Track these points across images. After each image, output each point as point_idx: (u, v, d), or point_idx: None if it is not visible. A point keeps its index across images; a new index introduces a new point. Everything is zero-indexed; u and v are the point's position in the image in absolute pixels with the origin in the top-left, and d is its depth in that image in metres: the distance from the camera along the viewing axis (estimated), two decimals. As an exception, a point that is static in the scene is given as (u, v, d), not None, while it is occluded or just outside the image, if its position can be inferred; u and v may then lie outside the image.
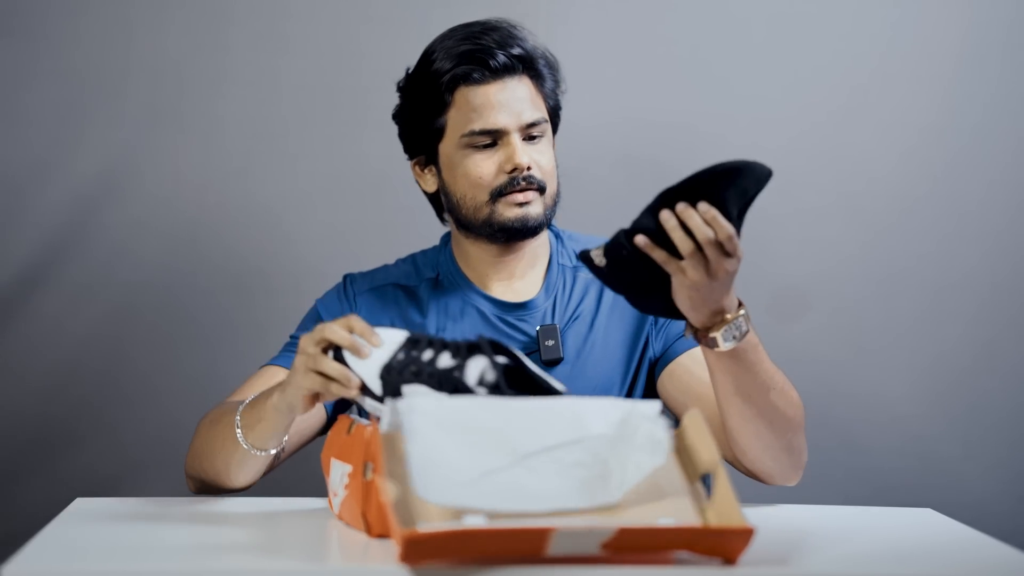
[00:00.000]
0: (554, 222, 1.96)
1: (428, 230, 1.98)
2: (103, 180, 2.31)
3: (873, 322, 2.38)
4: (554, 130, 1.87)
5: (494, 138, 1.79)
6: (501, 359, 1.43)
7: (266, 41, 2.33)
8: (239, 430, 1.61)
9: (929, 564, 1.36)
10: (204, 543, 1.37)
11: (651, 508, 1.28)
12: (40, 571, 1.24)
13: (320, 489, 1.55)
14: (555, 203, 1.84)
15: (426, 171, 1.86)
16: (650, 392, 1.85)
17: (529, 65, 1.81)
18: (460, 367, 1.40)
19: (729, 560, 1.26)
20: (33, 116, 2.30)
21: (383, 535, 1.34)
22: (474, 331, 1.82)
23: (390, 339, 1.49)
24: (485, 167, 1.79)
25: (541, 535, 1.21)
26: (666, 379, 1.83)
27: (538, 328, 1.83)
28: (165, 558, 1.30)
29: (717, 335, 1.52)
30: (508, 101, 1.79)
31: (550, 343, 1.82)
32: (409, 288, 1.87)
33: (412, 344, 1.47)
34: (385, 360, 1.46)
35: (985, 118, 2.37)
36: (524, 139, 1.80)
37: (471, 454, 1.27)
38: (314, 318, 1.85)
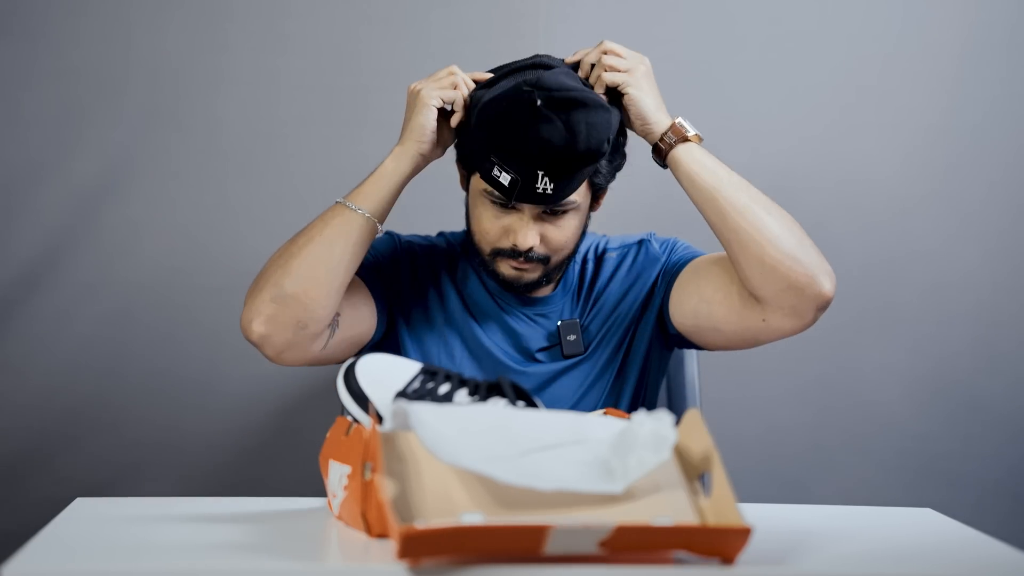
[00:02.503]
0: None
1: (428, 230, 1.98)
2: (103, 180, 2.31)
3: (873, 322, 2.38)
4: (599, 191, 1.80)
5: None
6: (521, 404, 1.45)
7: (266, 41, 2.33)
8: (344, 201, 1.70)
9: (929, 564, 1.36)
10: (204, 543, 1.37)
11: (649, 506, 1.28)
12: (40, 571, 1.24)
13: (320, 489, 1.55)
14: (562, 265, 1.82)
15: (462, 174, 1.85)
16: (657, 354, 1.86)
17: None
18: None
19: (727, 559, 1.27)
20: (33, 116, 2.30)
21: (383, 535, 1.34)
22: (500, 315, 1.83)
23: (404, 368, 1.51)
24: (492, 225, 1.77)
25: (538, 533, 1.21)
26: (674, 296, 1.82)
27: (559, 323, 1.84)
28: (165, 558, 1.30)
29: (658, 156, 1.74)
30: None
31: (572, 338, 1.83)
32: (447, 257, 1.89)
33: (428, 375, 1.49)
34: (399, 388, 1.48)
35: (986, 119, 2.37)
36: (545, 211, 1.75)
37: (477, 444, 1.28)
38: (373, 253, 1.85)
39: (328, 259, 1.69)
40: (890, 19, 2.38)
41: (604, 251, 1.91)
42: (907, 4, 2.38)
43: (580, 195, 1.76)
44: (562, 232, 1.77)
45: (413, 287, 1.86)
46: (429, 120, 1.73)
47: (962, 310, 2.38)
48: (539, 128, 1.65)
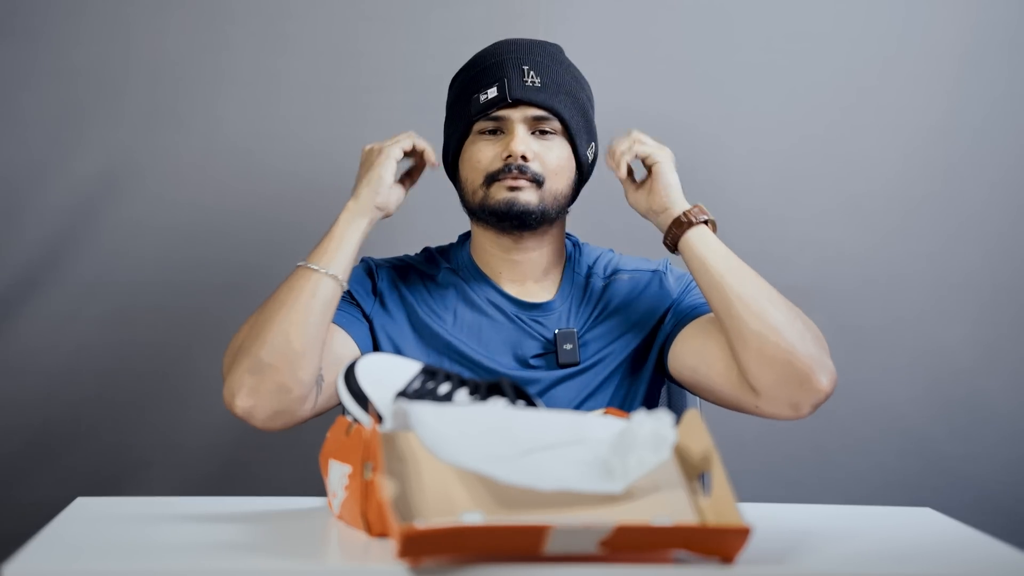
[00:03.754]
0: (573, 232, 1.97)
1: (429, 230, 1.99)
2: (103, 180, 2.31)
3: (874, 322, 2.38)
4: (577, 140, 1.85)
5: (499, 126, 1.81)
6: (521, 403, 1.45)
7: (266, 41, 2.33)
8: (305, 263, 1.71)
9: (929, 564, 1.36)
10: (204, 543, 1.37)
11: (649, 506, 1.28)
12: (40, 571, 1.24)
13: (319, 489, 1.55)
14: (560, 203, 1.84)
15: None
16: (655, 383, 1.86)
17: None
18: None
19: (727, 559, 1.27)
20: (33, 116, 2.30)
21: (383, 535, 1.34)
22: (493, 323, 1.83)
23: (404, 368, 1.51)
24: (485, 152, 1.81)
25: (538, 533, 1.21)
26: (678, 345, 1.82)
27: (556, 331, 1.83)
28: (165, 558, 1.30)
29: (674, 232, 1.76)
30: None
31: (568, 347, 1.82)
32: (427, 273, 1.89)
33: (428, 375, 1.50)
34: (399, 388, 1.48)
35: (987, 120, 2.37)
36: (532, 132, 1.81)
37: (477, 444, 1.28)
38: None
39: (300, 323, 1.69)
40: (891, 20, 2.38)
41: (616, 272, 1.90)
42: (908, 5, 2.38)
43: (572, 121, 1.83)
44: (552, 152, 1.82)
45: (395, 310, 1.85)
46: (388, 172, 1.77)
47: (962, 310, 2.38)
48: (505, 41, 1.84)
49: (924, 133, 2.38)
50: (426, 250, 1.94)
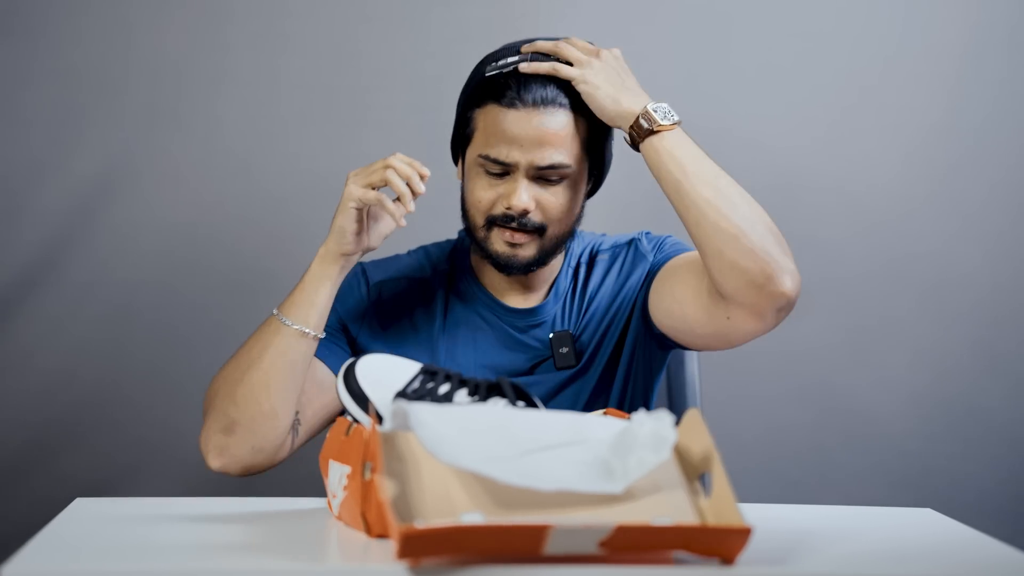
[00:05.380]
0: None
1: (428, 230, 1.98)
2: (102, 180, 2.31)
3: (874, 322, 2.38)
4: (599, 169, 1.81)
5: (505, 169, 1.73)
6: (521, 404, 1.45)
7: (266, 41, 2.33)
8: (278, 314, 1.68)
9: (929, 564, 1.36)
10: (204, 543, 1.37)
11: (649, 506, 1.28)
12: (40, 571, 1.23)
13: (320, 489, 1.55)
14: (563, 240, 1.79)
15: (458, 164, 1.83)
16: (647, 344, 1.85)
17: (571, 101, 1.74)
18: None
19: (727, 560, 1.26)
20: (33, 116, 2.30)
21: (383, 535, 1.34)
22: (482, 336, 1.82)
23: (404, 368, 1.51)
24: (487, 194, 1.75)
25: (538, 533, 1.21)
26: (653, 296, 1.80)
27: (551, 335, 1.82)
28: (165, 558, 1.30)
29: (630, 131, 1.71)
30: (527, 136, 1.71)
31: (564, 350, 1.81)
32: (422, 281, 1.86)
33: (428, 375, 1.49)
34: (399, 388, 1.48)
35: (987, 120, 2.37)
36: (536, 179, 1.74)
37: (476, 444, 1.28)
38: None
39: (270, 384, 1.68)
40: (892, 20, 2.38)
41: (596, 253, 1.89)
42: (909, 5, 2.38)
43: (573, 159, 1.74)
44: (557, 200, 1.74)
45: (383, 327, 1.83)
46: (348, 222, 1.69)
47: (962, 310, 2.38)
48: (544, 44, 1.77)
49: (924, 133, 2.38)
50: (424, 251, 1.91)
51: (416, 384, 1.49)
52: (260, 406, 1.68)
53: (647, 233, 1.90)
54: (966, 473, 2.37)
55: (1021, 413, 2.38)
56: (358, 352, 1.81)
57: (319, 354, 1.77)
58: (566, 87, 1.73)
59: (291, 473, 2.30)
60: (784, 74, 2.37)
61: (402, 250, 1.92)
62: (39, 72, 2.30)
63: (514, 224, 1.74)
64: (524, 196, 1.72)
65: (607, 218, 2.31)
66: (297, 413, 1.73)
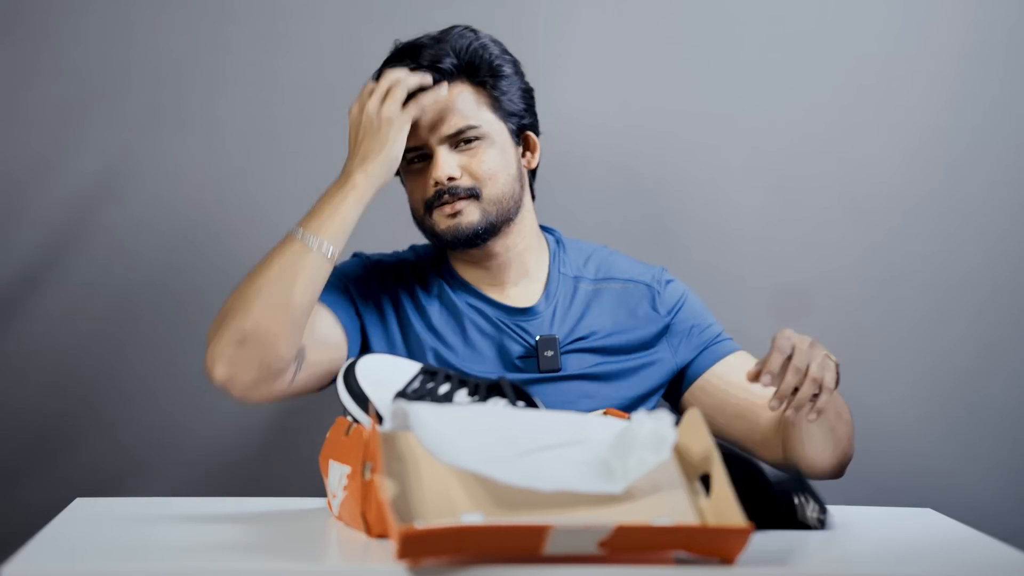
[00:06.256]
0: (555, 226, 1.96)
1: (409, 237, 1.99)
2: (103, 180, 2.31)
3: (874, 323, 2.38)
4: (523, 128, 1.84)
5: (423, 153, 1.79)
6: (521, 404, 1.45)
7: (266, 41, 2.33)
8: (299, 232, 1.69)
9: (929, 564, 1.36)
10: (204, 543, 1.37)
11: (649, 506, 1.28)
12: (40, 571, 1.24)
13: (319, 490, 1.55)
14: (507, 204, 1.81)
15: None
16: (671, 405, 1.86)
17: (466, 70, 1.80)
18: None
19: (727, 560, 1.27)
20: (33, 116, 2.30)
21: (382, 535, 1.35)
22: (477, 329, 1.82)
23: (404, 368, 1.51)
24: (416, 185, 1.81)
25: (538, 533, 1.21)
26: (697, 392, 1.84)
27: (538, 337, 1.82)
28: (165, 558, 1.30)
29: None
30: (427, 115, 1.78)
31: (549, 354, 1.81)
32: (417, 273, 1.88)
33: (428, 375, 1.50)
34: (399, 388, 1.49)
35: (987, 119, 2.37)
36: (453, 147, 1.78)
37: (476, 444, 1.28)
38: (337, 275, 1.85)
39: (286, 298, 1.68)
40: (890, 18, 2.38)
41: (608, 278, 1.89)
42: (907, 4, 2.38)
43: (482, 121, 1.78)
44: (480, 160, 1.78)
45: (386, 304, 1.84)
46: (400, 147, 1.75)
47: (962, 310, 2.38)
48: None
49: (923, 132, 2.37)
50: (412, 250, 1.93)
51: (416, 384, 1.49)
52: (275, 319, 1.67)
53: (664, 273, 1.91)
54: (966, 473, 2.37)
55: (1021, 413, 2.38)
56: (361, 321, 1.83)
57: (329, 302, 1.79)
58: (448, 61, 1.79)
59: (291, 473, 2.30)
60: (783, 73, 2.37)
61: (397, 250, 1.93)
62: (39, 72, 2.30)
63: (444, 197, 1.77)
64: (444, 165, 1.77)
65: (607, 217, 2.31)
66: (302, 351, 1.72)
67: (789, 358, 1.54)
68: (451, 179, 1.77)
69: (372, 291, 1.85)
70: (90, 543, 1.36)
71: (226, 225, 2.34)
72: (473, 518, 1.23)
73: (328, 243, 1.70)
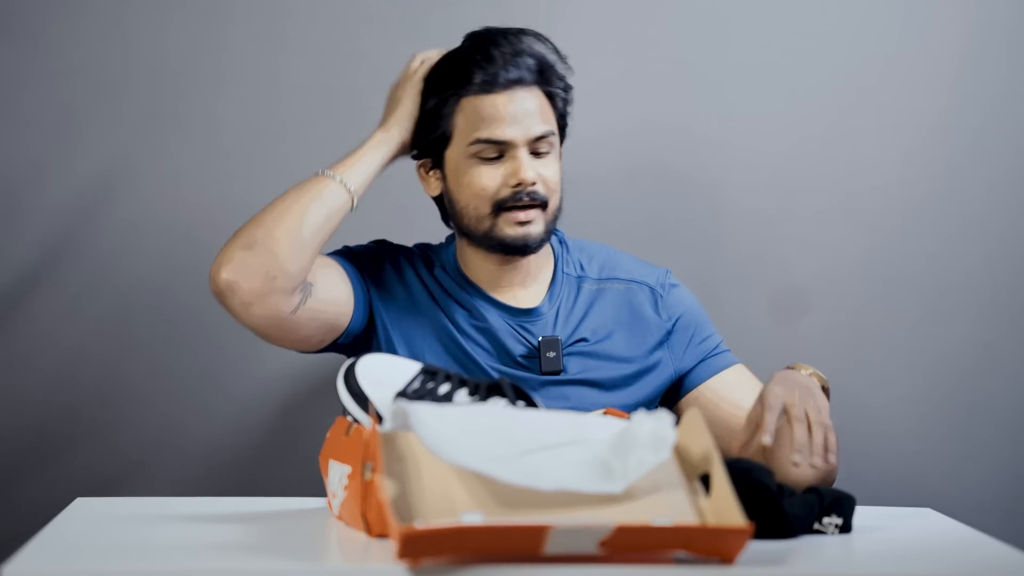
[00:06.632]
0: (558, 226, 1.97)
1: (428, 230, 1.98)
2: (102, 180, 2.31)
3: (874, 323, 2.38)
4: (561, 141, 1.86)
5: (501, 150, 1.78)
6: (521, 404, 1.45)
7: (266, 41, 2.33)
8: (323, 171, 1.77)
9: (929, 564, 1.36)
10: (204, 543, 1.37)
11: (649, 506, 1.28)
12: (40, 571, 1.24)
13: (320, 489, 1.55)
14: (556, 218, 1.83)
15: (431, 175, 1.86)
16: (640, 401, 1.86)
17: (541, 77, 1.81)
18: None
19: (727, 559, 1.27)
20: (32, 116, 2.30)
21: (383, 535, 1.35)
22: (481, 327, 1.82)
23: (404, 368, 1.51)
24: (489, 179, 1.78)
25: (538, 533, 1.21)
26: (692, 403, 1.85)
27: (540, 339, 1.82)
28: (165, 558, 1.30)
29: None
30: (516, 113, 1.77)
31: (551, 355, 1.81)
32: (430, 265, 1.88)
33: (428, 375, 1.50)
34: (399, 388, 1.49)
35: (987, 120, 2.37)
36: (531, 153, 1.78)
37: (477, 444, 1.28)
38: (344, 252, 1.88)
39: (302, 218, 1.72)
40: (891, 19, 2.38)
41: (611, 278, 1.90)
42: (908, 4, 2.38)
43: (551, 124, 1.81)
44: (551, 171, 1.80)
45: (397, 287, 1.84)
46: (415, 104, 1.83)
47: (962, 310, 2.38)
48: (505, 30, 1.85)
49: (924, 133, 2.37)
50: (417, 247, 1.93)
51: (416, 384, 1.49)
52: (288, 233, 1.71)
53: (668, 275, 1.91)
54: (966, 473, 2.37)
55: (1021, 413, 2.38)
56: (369, 291, 1.84)
57: (344, 265, 1.82)
58: (529, 63, 1.80)
59: (291, 473, 2.30)
60: (783, 74, 2.37)
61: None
62: (39, 72, 2.30)
63: (524, 201, 1.77)
64: (531, 171, 1.77)
65: (606, 217, 2.31)
66: (311, 284, 1.74)
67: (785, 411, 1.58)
68: (533, 183, 1.77)
69: (385, 273, 1.86)
70: (90, 543, 1.36)
71: (225, 225, 2.32)
72: (473, 518, 1.23)
73: (347, 178, 1.77)
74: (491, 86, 1.78)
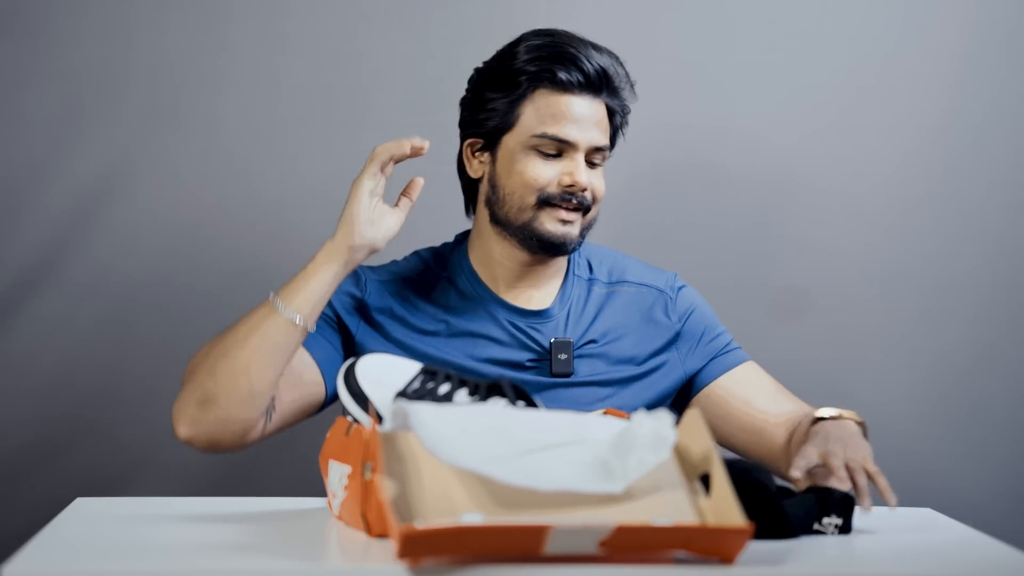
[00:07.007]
0: None
1: (428, 230, 1.98)
2: (102, 180, 2.31)
3: (874, 322, 2.38)
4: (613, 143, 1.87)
5: (560, 149, 1.79)
6: (521, 404, 1.45)
7: (266, 41, 2.33)
8: (273, 298, 1.67)
9: (929, 564, 1.36)
10: (204, 543, 1.37)
11: (649, 506, 1.28)
12: (40, 571, 1.24)
13: (320, 489, 1.55)
14: (590, 228, 1.84)
15: (477, 156, 1.85)
16: (678, 413, 1.86)
17: (611, 93, 1.82)
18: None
19: (727, 559, 1.27)
20: (33, 116, 2.30)
21: (383, 535, 1.34)
22: (488, 335, 1.82)
23: (404, 368, 1.51)
24: (543, 173, 1.78)
25: (538, 533, 1.21)
26: (703, 401, 1.85)
27: (552, 340, 1.82)
28: (165, 558, 1.30)
29: None
30: (584, 118, 1.79)
31: (562, 357, 1.81)
32: (419, 281, 1.86)
33: (428, 375, 1.49)
34: (399, 388, 1.48)
35: (986, 119, 2.37)
36: (586, 161, 1.80)
37: (477, 444, 1.28)
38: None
39: (253, 366, 1.66)
40: (890, 19, 2.38)
41: (621, 282, 1.90)
42: (907, 4, 2.38)
43: (607, 140, 1.82)
44: (599, 182, 1.82)
45: (382, 326, 1.82)
46: (360, 208, 1.70)
47: (961, 309, 2.38)
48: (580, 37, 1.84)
49: (923, 132, 2.38)
50: (417, 255, 1.91)
51: (416, 384, 1.49)
52: (239, 385, 1.66)
53: (676, 279, 1.91)
54: (966, 473, 2.37)
55: (1021, 413, 2.38)
56: (353, 348, 1.81)
57: (307, 344, 1.77)
58: (607, 76, 1.79)
59: (291, 473, 2.30)
60: (783, 74, 2.37)
61: (401, 256, 1.92)
62: (39, 72, 2.30)
63: (572, 202, 1.78)
64: (585, 176, 1.79)
65: (606, 217, 2.31)
66: (273, 399, 1.71)
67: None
68: (584, 189, 1.78)
69: (364, 310, 1.83)
70: (90, 543, 1.36)
71: (225, 225, 2.34)
72: (473, 518, 1.23)
73: (295, 312, 1.67)
74: (570, 86, 1.78)
